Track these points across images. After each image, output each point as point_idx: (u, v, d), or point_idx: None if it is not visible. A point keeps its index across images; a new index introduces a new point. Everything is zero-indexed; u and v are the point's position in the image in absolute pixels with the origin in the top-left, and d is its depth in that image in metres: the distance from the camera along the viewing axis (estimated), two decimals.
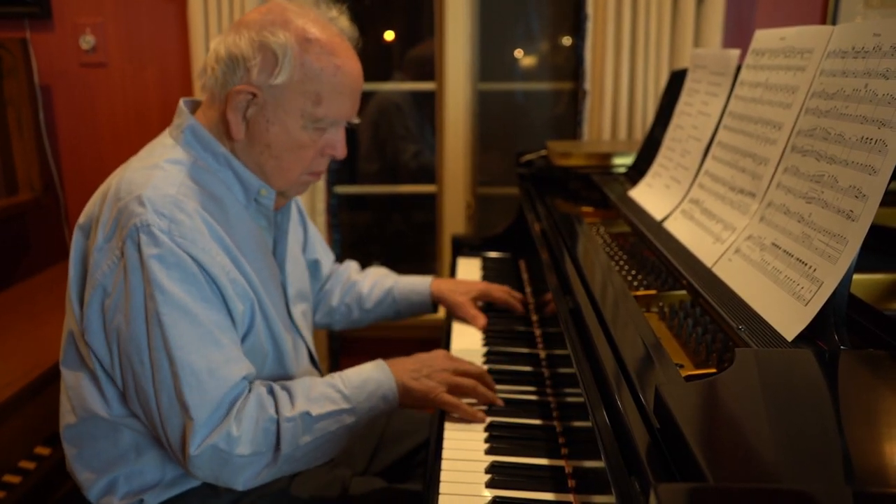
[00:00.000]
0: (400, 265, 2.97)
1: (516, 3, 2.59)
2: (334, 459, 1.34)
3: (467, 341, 1.49)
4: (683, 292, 1.11)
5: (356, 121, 1.25)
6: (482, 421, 1.16)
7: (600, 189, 1.67)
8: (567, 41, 2.54)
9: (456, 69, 2.42)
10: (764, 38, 1.19)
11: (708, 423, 0.63)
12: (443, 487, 0.99)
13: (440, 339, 1.56)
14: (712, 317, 0.96)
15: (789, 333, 0.82)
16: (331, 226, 2.43)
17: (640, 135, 2.24)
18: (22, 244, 2.52)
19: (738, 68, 1.28)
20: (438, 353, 1.27)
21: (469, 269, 1.95)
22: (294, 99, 1.14)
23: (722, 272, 1.03)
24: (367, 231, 2.99)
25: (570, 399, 1.08)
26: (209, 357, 1.05)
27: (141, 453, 1.15)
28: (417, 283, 1.63)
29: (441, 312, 1.68)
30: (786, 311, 0.85)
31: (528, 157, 2.02)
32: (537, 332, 1.50)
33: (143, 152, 1.20)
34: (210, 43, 2.21)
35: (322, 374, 1.46)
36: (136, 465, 1.16)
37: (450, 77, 2.43)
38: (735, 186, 1.14)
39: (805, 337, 0.81)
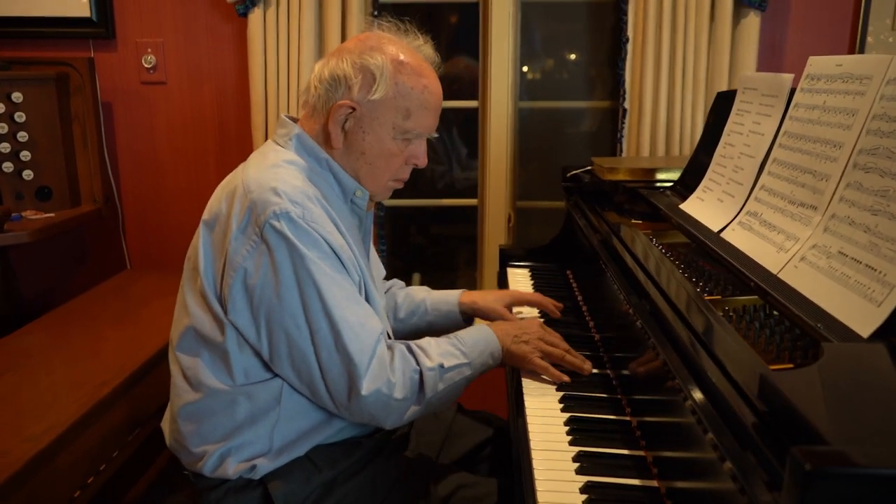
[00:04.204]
0: (439, 276, 3.08)
1: (557, 25, 2.70)
2: (410, 447, 1.52)
3: None
4: (748, 297, 1.20)
5: (436, 134, 1.43)
6: (568, 381, 1.36)
7: (649, 201, 1.77)
8: (607, 61, 2.64)
9: (499, 88, 2.53)
10: (819, 64, 1.30)
11: (816, 404, 0.72)
12: (538, 475, 1.08)
13: None
14: (787, 316, 1.05)
15: (864, 331, 0.92)
16: (378, 237, 2.53)
17: (677, 151, 2.34)
18: (81, 255, 2.63)
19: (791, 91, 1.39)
20: (533, 322, 1.47)
21: (519, 279, 2.05)
22: (387, 113, 1.32)
23: (789, 278, 1.13)
24: (403, 242, 3.08)
25: (649, 396, 1.18)
26: (357, 313, 1.25)
27: (255, 422, 1.29)
28: (448, 295, 1.74)
29: None
30: (858, 312, 0.94)
31: (575, 171, 2.12)
32: (596, 336, 1.60)
33: (256, 157, 1.37)
34: (268, 61, 2.34)
35: None
36: (249, 434, 1.29)
37: (493, 96, 2.54)
38: (795, 200, 1.24)
39: (878, 335, 0.91)
